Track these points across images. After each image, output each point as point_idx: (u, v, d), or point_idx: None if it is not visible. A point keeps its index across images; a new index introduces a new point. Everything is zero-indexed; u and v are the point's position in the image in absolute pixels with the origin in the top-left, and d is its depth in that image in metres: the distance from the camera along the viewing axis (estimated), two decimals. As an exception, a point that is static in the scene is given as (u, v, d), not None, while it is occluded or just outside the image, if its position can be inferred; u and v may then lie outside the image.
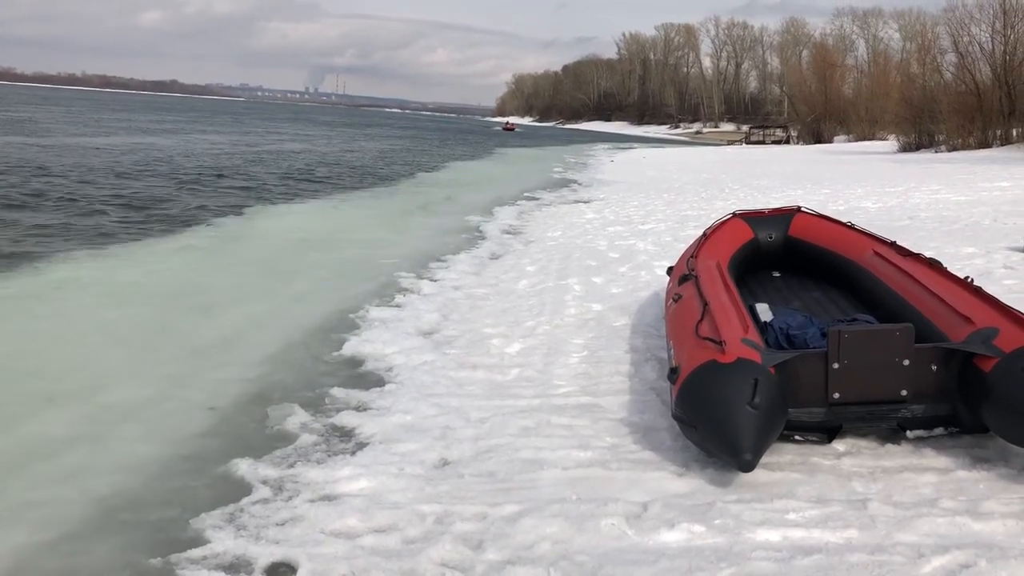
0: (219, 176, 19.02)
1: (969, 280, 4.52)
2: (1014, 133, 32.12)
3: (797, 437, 3.86)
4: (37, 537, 3.28)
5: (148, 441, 4.25)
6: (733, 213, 6.72)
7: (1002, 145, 31.45)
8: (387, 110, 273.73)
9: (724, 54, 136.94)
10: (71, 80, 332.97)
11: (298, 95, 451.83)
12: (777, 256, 6.45)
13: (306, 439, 4.22)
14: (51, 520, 3.41)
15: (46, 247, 9.47)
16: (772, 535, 3.09)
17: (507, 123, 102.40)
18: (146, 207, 13.27)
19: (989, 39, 35.14)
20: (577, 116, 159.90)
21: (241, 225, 12.27)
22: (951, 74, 37.61)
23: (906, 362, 3.72)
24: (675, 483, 3.57)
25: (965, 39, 35.92)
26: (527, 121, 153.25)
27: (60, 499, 3.59)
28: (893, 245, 5.50)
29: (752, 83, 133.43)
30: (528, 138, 65.26)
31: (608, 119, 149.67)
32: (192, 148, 28.49)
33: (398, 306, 7.16)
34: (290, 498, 3.56)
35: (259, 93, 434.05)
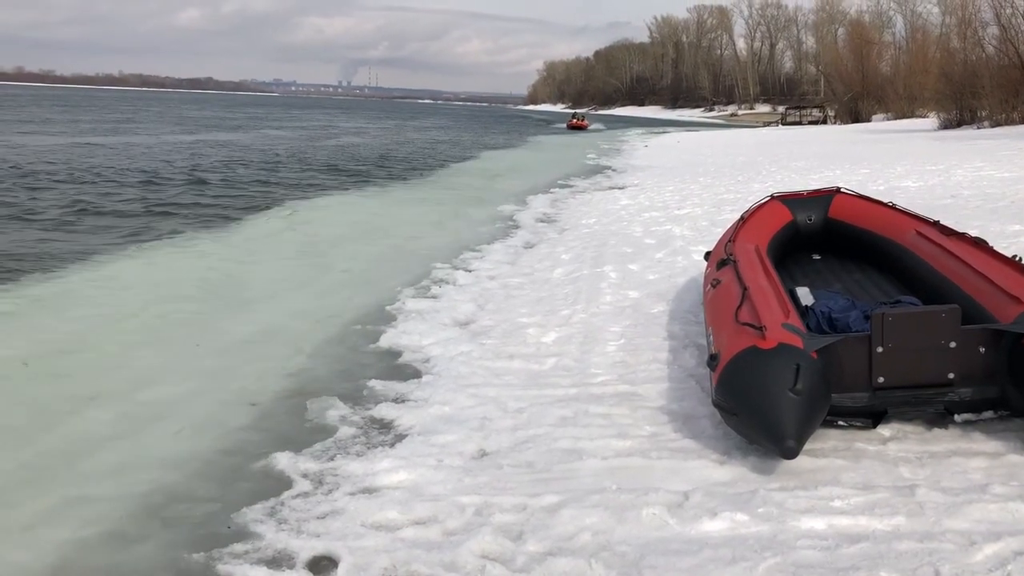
0: (261, 170, 19.20)
1: (1017, 259, 4.40)
2: (1060, 107, 31.32)
3: (841, 423, 3.79)
4: (81, 534, 3.32)
5: (189, 437, 4.29)
6: (771, 195, 6.62)
7: (1048, 119, 30.66)
8: (420, 101, 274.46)
9: (758, 34, 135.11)
10: (109, 80, 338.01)
11: (331, 88, 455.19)
12: (817, 238, 6.34)
13: (345, 432, 4.24)
14: (95, 517, 3.45)
15: (88, 245, 9.61)
16: (817, 523, 3.04)
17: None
18: (181, 204, 13.42)
19: (1033, 10, 34.20)
20: (610, 102, 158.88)
21: (277, 219, 12.34)
22: (993, 48, 36.63)
23: (952, 344, 3.64)
24: (717, 471, 3.52)
25: (1008, 11, 34.94)
26: (559, 108, 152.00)
27: (103, 496, 3.64)
28: (936, 224, 5.38)
29: (787, 63, 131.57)
30: (558, 125, 64.81)
31: (641, 104, 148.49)
32: (242, 142, 28.77)
33: (434, 297, 7.16)
34: (330, 491, 3.57)
35: (293, 88, 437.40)
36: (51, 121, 40.80)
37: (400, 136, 40.81)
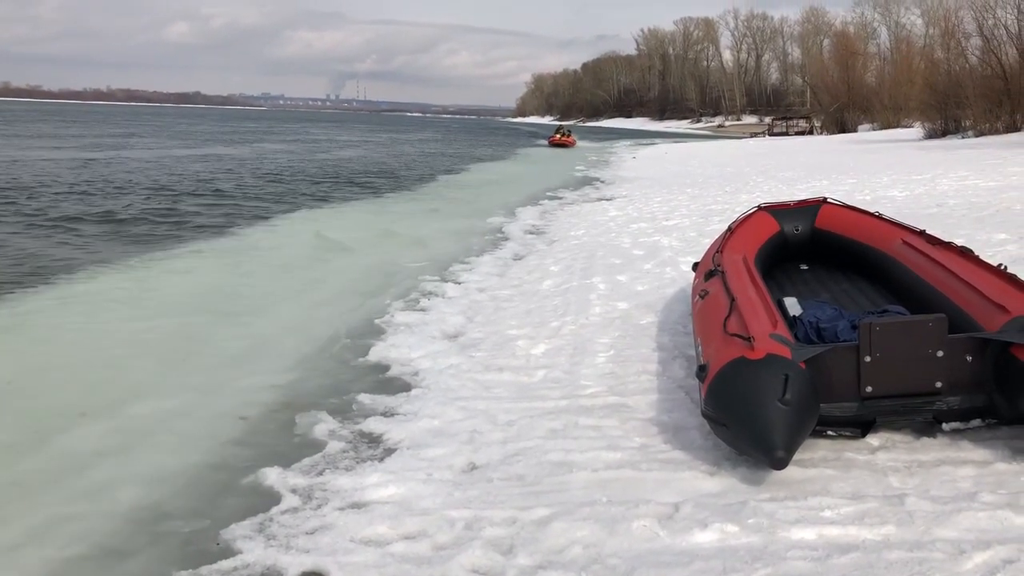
0: (255, 183, 19.18)
1: (1002, 267, 4.43)
2: (1043, 116, 31.60)
3: (830, 432, 3.80)
4: (68, 551, 3.29)
5: (177, 452, 4.25)
6: (758, 206, 6.64)
7: (1031, 128, 30.92)
8: (408, 114, 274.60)
9: (744, 46, 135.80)
10: (96, 95, 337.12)
11: (319, 102, 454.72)
12: (804, 248, 6.37)
13: (334, 446, 4.21)
14: (82, 534, 3.42)
15: (74, 259, 9.56)
16: (807, 533, 3.04)
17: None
18: (172, 217, 13.37)
19: (1015, 21, 34.61)
20: (598, 114, 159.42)
21: (266, 232, 12.32)
22: (976, 58, 37.04)
23: (940, 353, 3.65)
24: (707, 483, 3.52)
25: (990, 22, 35.41)
26: (547, 120, 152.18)
27: (91, 512, 3.60)
28: (922, 234, 5.41)
29: (773, 74, 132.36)
30: (546, 138, 64.90)
31: (629, 116, 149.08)
32: (238, 156, 28.71)
33: (423, 310, 7.15)
34: (319, 506, 3.55)
35: (281, 101, 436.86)
36: (53, 136, 40.71)
37: (393, 149, 40.80)
